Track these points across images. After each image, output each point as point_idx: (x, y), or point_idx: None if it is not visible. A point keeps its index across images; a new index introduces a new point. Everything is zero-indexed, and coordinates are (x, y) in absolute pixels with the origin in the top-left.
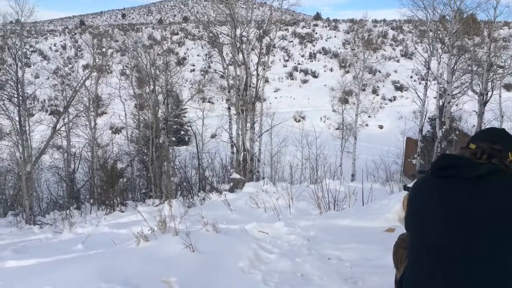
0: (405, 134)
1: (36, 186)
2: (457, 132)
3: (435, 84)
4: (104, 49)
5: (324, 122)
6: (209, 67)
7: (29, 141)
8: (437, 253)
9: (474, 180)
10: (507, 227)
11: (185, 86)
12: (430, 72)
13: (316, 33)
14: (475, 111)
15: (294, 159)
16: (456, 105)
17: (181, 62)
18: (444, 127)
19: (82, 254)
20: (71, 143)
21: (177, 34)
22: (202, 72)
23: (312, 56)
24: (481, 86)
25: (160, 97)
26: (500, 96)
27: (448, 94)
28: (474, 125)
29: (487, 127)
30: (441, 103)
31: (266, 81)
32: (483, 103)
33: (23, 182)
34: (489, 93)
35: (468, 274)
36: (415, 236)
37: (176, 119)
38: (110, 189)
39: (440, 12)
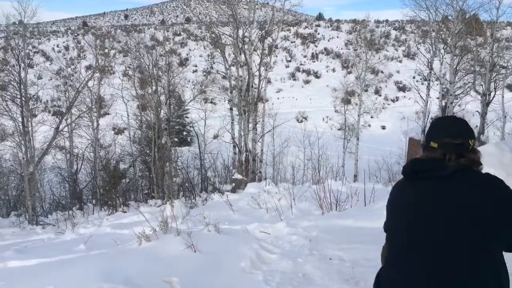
0: (407, 134)
1: (39, 187)
2: None
3: (437, 84)
4: (106, 50)
5: (327, 122)
6: (212, 67)
7: (32, 141)
8: (410, 252)
9: (443, 180)
10: (474, 224)
11: (187, 87)
12: (432, 72)
13: (318, 34)
14: (477, 111)
15: (296, 159)
16: (459, 105)
17: (183, 63)
18: None
19: (85, 254)
20: (73, 144)
21: (179, 35)
22: (204, 73)
23: (314, 57)
24: (483, 87)
25: (163, 98)
26: (503, 97)
27: (451, 95)
28: (476, 126)
29: (436, 118)
30: (443, 104)
31: (269, 81)
32: (486, 104)
33: (26, 182)
34: (492, 94)
35: (439, 271)
36: (391, 235)
37: (178, 120)
38: (112, 190)
39: (442, 12)
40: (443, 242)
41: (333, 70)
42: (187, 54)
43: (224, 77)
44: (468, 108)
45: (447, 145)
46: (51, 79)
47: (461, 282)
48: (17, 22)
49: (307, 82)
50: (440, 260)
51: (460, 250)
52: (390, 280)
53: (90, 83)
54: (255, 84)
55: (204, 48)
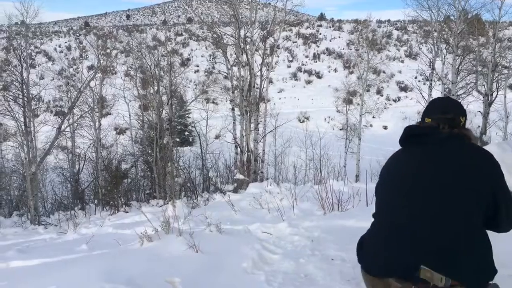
0: None
1: (41, 187)
2: None
3: (439, 84)
4: (108, 50)
5: (328, 122)
6: (213, 68)
7: (34, 141)
8: (407, 219)
9: (438, 145)
10: (468, 194)
11: (189, 87)
12: (434, 72)
13: (320, 34)
14: (480, 111)
15: (298, 159)
16: None
17: (185, 63)
18: None
19: (87, 254)
20: (75, 144)
21: (181, 35)
22: (206, 73)
23: (316, 57)
24: (486, 87)
25: (164, 98)
26: (505, 97)
27: (453, 95)
28: (479, 126)
29: (433, 99)
30: None
31: (270, 81)
32: (488, 104)
33: (28, 182)
34: (494, 94)
35: (434, 239)
36: (383, 198)
37: (180, 120)
38: (114, 190)
39: (444, 12)
40: (439, 212)
41: (335, 70)
42: (189, 54)
43: (226, 77)
44: (470, 108)
45: (439, 119)
46: (53, 79)
47: (455, 251)
48: (19, 23)
49: (309, 82)
50: (436, 229)
51: (455, 220)
52: (380, 241)
53: (92, 83)
54: (257, 84)
55: (206, 48)
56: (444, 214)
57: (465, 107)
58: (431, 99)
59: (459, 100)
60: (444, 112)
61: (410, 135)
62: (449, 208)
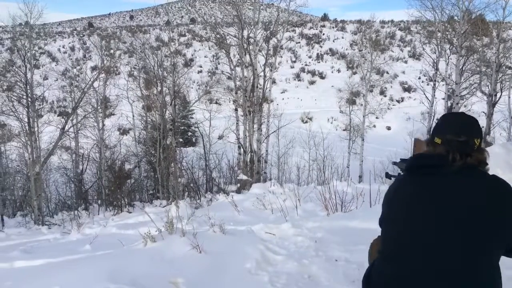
0: (413, 135)
1: (45, 187)
2: None
3: (443, 85)
4: (112, 51)
5: (331, 123)
6: (216, 68)
7: (37, 142)
8: (413, 247)
9: (449, 178)
10: (484, 227)
11: (192, 87)
12: (438, 73)
13: (323, 34)
14: (484, 112)
15: (301, 160)
16: (465, 106)
17: (188, 63)
18: None
19: (90, 254)
20: (79, 144)
21: (184, 35)
22: (209, 74)
23: (319, 57)
24: (490, 87)
25: (168, 98)
26: (509, 97)
27: (457, 95)
28: (482, 126)
29: (444, 114)
30: (449, 104)
31: (273, 82)
32: (492, 104)
33: (32, 182)
34: (498, 94)
35: (448, 274)
36: (390, 230)
37: (183, 120)
38: (117, 190)
39: (448, 12)
40: (455, 246)
41: (338, 70)
42: (192, 55)
43: (229, 78)
44: (474, 109)
45: (450, 142)
46: (57, 79)
47: (469, 284)
48: (23, 23)
49: (312, 82)
50: (450, 263)
51: (470, 254)
52: (388, 276)
53: (96, 84)
54: (260, 85)
55: (209, 49)
56: (466, 270)
57: (469, 107)
58: (443, 114)
59: (463, 102)
60: (456, 133)
61: (420, 166)
62: (472, 260)
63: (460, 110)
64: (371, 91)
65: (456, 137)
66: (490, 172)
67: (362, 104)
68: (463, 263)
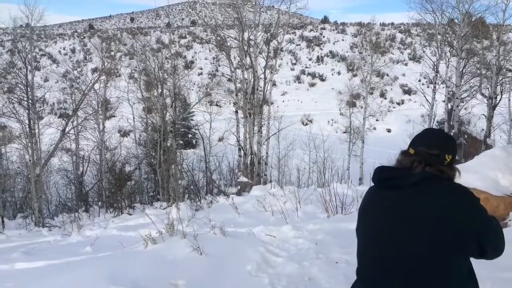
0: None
1: (45, 189)
2: (465, 136)
3: (443, 87)
4: (112, 53)
5: (332, 125)
6: (217, 70)
7: (38, 144)
8: (374, 262)
9: (409, 189)
10: (439, 235)
11: (192, 90)
12: (438, 75)
13: (323, 37)
14: (484, 114)
15: (302, 162)
16: (465, 108)
17: (189, 65)
18: (453, 130)
19: (91, 256)
20: (79, 146)
21: (185, 37)
22: (209, 76)
23: (319, 60)
24: (490, 90)
25: (168, 100)
26: (510, 100)
27: (457, 98)
28: (483, 129)
29: (426, 128)
30: (449, 107)
31: (274, 84)
32: (492, 107)
33: (32, 184)
34: (498, 97)
35: (403, 283)
36: (359, 244)
37: (183, 122)
38: (118, 192)
39: (448, 15)
40: (409, 260)
41: (339, 73)
42: (192, 57)
43: (229, 80)
44: (474, 111)
45: (421, 153)
46: (58, 81)
47: None
48: (24, 25)
49: (312, 85)
50: (411, 278)
51: (428, 268)
52: None
53: (96, 86)
54: (260, 87)
55: (210, 51)
56: (420, 272)
57: (469, 109)
58: (424, 128)
59: (463, 104)
60: (429, 147)
61: (380, 179)
62: (426, 264)
63: (461, 113)
64: (372, 93)
65: (428, 150)
66: (491, 174)
67: (362, 107)
68: (420, 276)
